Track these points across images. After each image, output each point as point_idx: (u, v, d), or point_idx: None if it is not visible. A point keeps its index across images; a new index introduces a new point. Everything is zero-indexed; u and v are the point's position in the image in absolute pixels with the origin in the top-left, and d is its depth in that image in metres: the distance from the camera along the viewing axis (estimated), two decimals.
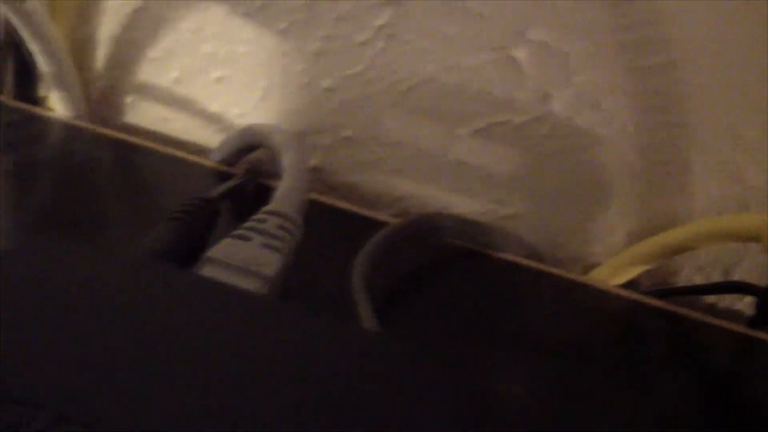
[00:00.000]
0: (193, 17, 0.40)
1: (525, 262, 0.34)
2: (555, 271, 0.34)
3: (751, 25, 0.31)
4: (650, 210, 0.36)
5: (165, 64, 0.42)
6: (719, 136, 0.33)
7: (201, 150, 0.42)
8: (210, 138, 0.42)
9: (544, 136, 0.36)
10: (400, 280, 0.32)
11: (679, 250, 0.34)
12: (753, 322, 0.33)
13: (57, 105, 0.42)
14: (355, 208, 0.36)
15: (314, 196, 0.36)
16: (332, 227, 0.34)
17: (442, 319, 0.30)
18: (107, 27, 0.42)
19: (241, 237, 0.27)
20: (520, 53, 0.34)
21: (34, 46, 0.40)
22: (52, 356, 0.17)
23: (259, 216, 0.28)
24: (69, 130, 0.41)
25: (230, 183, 0.33)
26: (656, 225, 0.35)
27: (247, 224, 0.27)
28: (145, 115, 0.44)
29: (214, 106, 0.42)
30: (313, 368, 0.18)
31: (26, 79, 0.44)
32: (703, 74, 0.32)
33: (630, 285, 0.35)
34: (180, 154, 0.38)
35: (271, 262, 0.26)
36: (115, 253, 0.22)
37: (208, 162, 0.37)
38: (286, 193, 0.30)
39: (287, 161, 0.32)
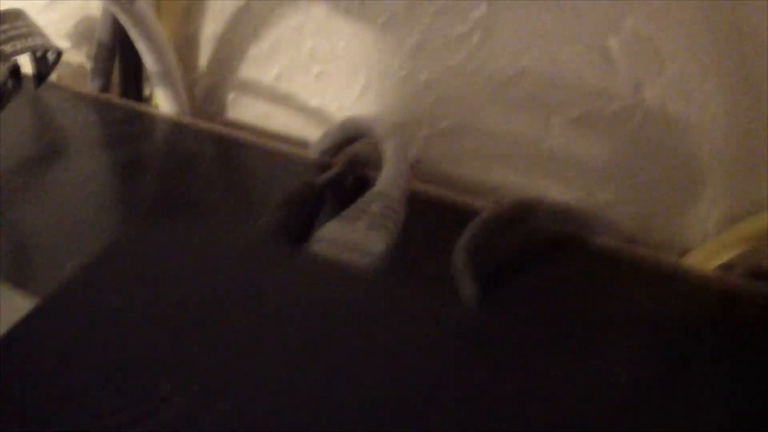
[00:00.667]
0: (295, 15, 0.41)
1: (620, 246, 0.34)
2: (650, 255, 0.34)
3: None
4: (742, 195, 0.35)
5: (267, 61, 0.43)
6: None
7: (302, 144, 0.43)
8: (310, 132, 0.43)
9: (636, 124, 0.36)
10: (499, 264, 0.32)
11: None
12: None
13: (162, 103, 0.44)
14: (453, 196, 0.36)
15: (413, 185, 0.37)
16: (431, 214, 0.35)
17: (540, 303, 0.30)
18: (211, 26, 0.44)
19: (348, 218, 0.27)
20: (613, 43, 0.35)
21: (141, 45, 0.41)
22: (175, 331, 0.18)
23: (365, 198, 0.29)
24: (174, 126, 0.42)
25: (333, 170, 0.34)
26: (748, 210, 0.35)
27: (354, 206, 0.28)
28: (247, 111, 0.45)
29: (314, 101, 0.43)
30: (415, 341, 0.19)
31: (133, 77, 0.46)
32: None
33: (725, 270, 0.35)
34: (281, 147, 0.39)
35: (377, 241, 0.27)
36: (229, 235, 0.23)
37: (310, 154, 0.38)
38: (389, 177, 0.30)
39: (389, 148, 0.32)
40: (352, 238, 0.27)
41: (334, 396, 0.16)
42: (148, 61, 0.42)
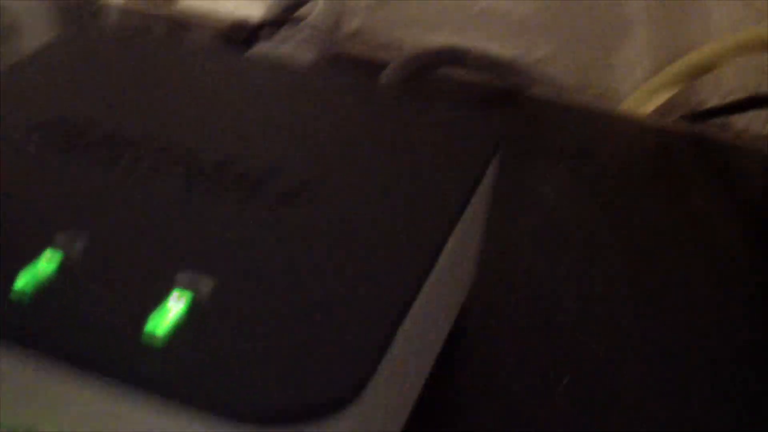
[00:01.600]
0: None
1: (555, 98, 0.35)
2: (585, 102, 0.35)
3: None
4: (670, 38, 0.37)
5: None
6: None
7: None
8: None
9: None
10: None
11: (702, 69, 0.35)
12: None
13: None
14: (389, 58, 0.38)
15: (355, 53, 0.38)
16: (365, 71, 0.36)
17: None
18: None
19: (277, 41, 0.29)
20: None
21: None
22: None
23: (294, 27, 0.30)
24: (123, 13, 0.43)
25: (270, 16, 0.35)
26: (677, 52, 0.37)
27: (284, 31, 0.30)
28: None
29: None
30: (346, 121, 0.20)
31: None
32: None
33: (660, 115, 0.36)
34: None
35: (306, 53, 0.28)
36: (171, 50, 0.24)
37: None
38: (320, 14, 0.31)
39: None
40: (281, 54, 0.28)
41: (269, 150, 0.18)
42: None
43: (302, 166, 0.17)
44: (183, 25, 0.41)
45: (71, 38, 0.24)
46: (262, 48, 0.28)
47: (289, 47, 0.28)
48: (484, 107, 0.35)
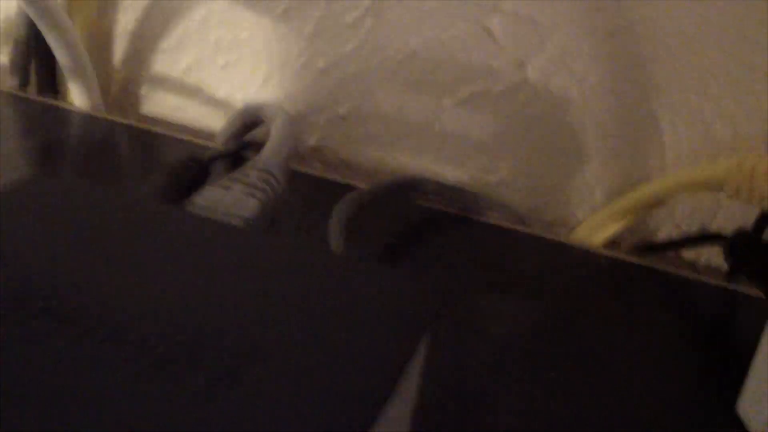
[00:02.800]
0: (199, 8, 0.42)
1: (508, 225, 0.36)
2: (537, 232, 0.36)
3: None
4: (625, 168, 0.37)
5: (176, 55, 0.45)
6: (686, 91, 0.35)
7: (211, 135, 0.44)
8: (219, 123, 0.45)
9: (521, 102, 0.37)
10: (379, 238, 0.33)
11: (653, 203, 0.35)
12: (729, 274, 0.34)
13: (76, 97, 0.45)
14: (346, 180, 0.38)
15: (311, 171, 0.39)
16: (320, 194, 0.36)
17: (421, 274, 0.31)
18: (122, 21, 0.45)
19: (223, 185, 0.29)
20: (495, 23, 0.36)
21: (51, 40, 0.42)
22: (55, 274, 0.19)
23: (243, 168, 0.30)
24: (86, 120, 0.43)
25: (221, 149, 0.35)
26: (632, 182, 0.37)
27: (231, 175, 0.30)
28: (159, 104, 0.47)
29: (221, 92, 0.44)
30: (282, 283, 0.20)
31: (48, 74, 0.47)
32: (667, 34, 0.34)
33: (612, 246, 0.37)
34: (189, 138, 0.41)
35: (249, 208, 0.28)
36: (112, 190, 0.24)
37: (215, 144, 0.40)
38: (270, 150, 0.32)
39: (274, 126, 0.34)
40: (226, 201, 0.28)
41: (212, 336, 0.18)
42: (60, 56, 0.43)
43: (236, 336, 0.17)
44: (146, 136, 0.41)
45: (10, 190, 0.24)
46: (207, 195, 0.28)
47: (234, 194, 0.28)
48: (436, 233, 0.35)
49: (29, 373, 0.16)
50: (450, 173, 0.40)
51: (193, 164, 0.32)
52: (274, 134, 0.33)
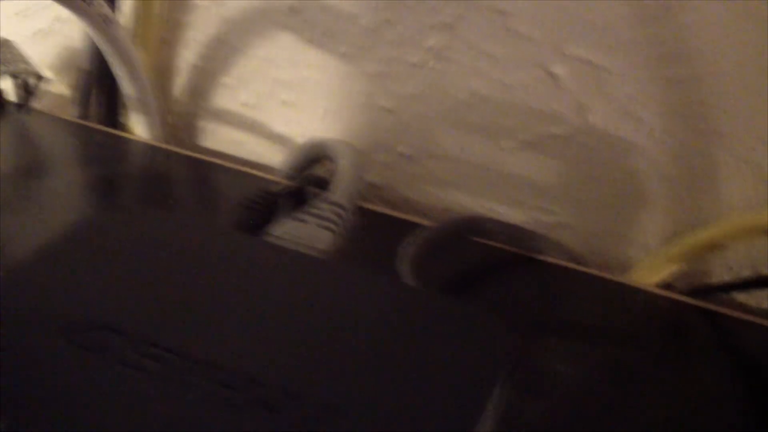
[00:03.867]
0: (263, 45, 0.43)
1: (566, 264, 0.36)
2: (594, 272, 0.36)
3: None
4: (682, 213, 0.38)
5: (236, 90, 0.46)
6: (745, 140, 0.35)
7: (269, 170, 0.45)
8: (277, 158, 0.45)
9: (582, 146, 0.38)
10: (443, 278, 0.34)
11: (709, 247, 0.36)
12: None
13: (137, 129, 0.46)
14: (407, 216, 0.39)
15: (369, 205, 0.39)
16: (384, 229, 0.37)
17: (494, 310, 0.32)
18: (185, 56, 0.46)
19: (298, 218, 0.30)
20: (559, 69, 0.37)
21: (118, 71, 0.44)
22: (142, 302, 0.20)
23: (315, 202, 0.31)
24: (148, 150, 0.44)
25: (291, 183, 0.36)
26: (688, 226, 0.37)
27: (304, 209, 0.30)
28: (218, 138, 0.48)
29: (280, 128, 0.45)
30: (369, 319, 0.21)
31: (111, 105, 0.48)
32: (729, 83, 0.35)
33: (666, 287, 0.37)
34: (248, 170, 0.41)
35: (324, 240, 0.29)
36: (192, 232, 0.25)
37: (276, 177, 0.40)
38: (340, 186, 0.33)
39: (342, 161, 0.35)
40: (301, 233, 0.29)
41: (291, 361, 0.18)
42: (125, 86, 0.44)
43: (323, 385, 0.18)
44: (206, 168, 0.42)
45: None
46: (284, 227, 0.29)
47: (309, 227, 0.29)
48: (497, 271, 0.35)
49: (125, 413, 0.16)
50: (508, 213, 0.40)
51: (267, 197, 0.33)
52: (346, 169, 0.34)
